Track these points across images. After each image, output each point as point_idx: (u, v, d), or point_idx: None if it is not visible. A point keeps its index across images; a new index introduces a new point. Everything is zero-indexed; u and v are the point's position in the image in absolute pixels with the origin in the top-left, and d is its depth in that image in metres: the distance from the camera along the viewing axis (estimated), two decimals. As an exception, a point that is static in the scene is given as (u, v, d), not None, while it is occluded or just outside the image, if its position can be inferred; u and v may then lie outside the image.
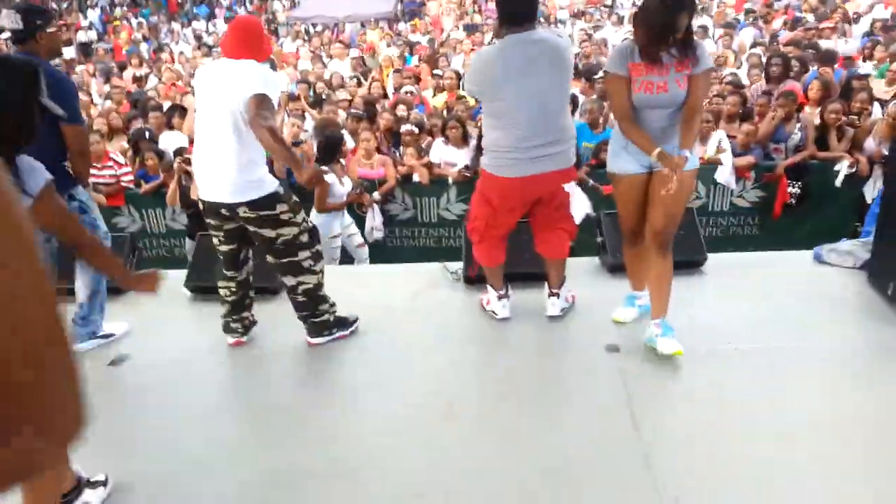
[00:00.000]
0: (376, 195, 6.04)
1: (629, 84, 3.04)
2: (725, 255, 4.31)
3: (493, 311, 3.77)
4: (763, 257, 4.35)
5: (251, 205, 3.19)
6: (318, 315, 3.57)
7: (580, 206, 3.43)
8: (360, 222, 5.95)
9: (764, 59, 7.70)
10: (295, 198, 3.42)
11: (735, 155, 5.98)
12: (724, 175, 5.94)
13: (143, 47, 16.23)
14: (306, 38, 15.46)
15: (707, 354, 3.27)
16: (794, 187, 6.01)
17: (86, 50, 15.40)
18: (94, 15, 19.11)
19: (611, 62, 3.13)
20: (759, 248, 5.61)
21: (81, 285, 3.56)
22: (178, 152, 6.07)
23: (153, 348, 3.69)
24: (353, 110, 6.45)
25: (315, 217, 5.55)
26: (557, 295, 3.74)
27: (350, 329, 3.70)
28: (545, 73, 3.17)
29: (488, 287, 3.80)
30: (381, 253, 6.21)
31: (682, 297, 3.44)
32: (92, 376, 3.00)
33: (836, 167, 5.87)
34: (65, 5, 19.52)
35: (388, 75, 9.03)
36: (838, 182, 5.87)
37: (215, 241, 3.50)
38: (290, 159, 3.02)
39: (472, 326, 3.75)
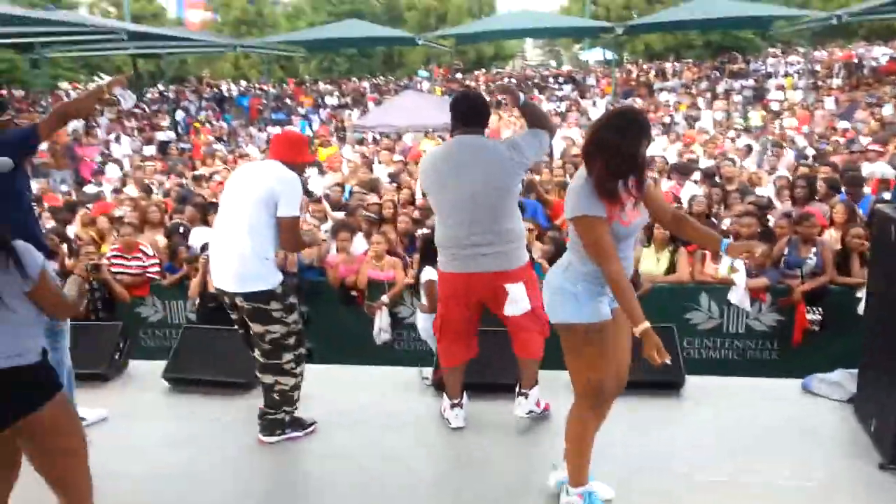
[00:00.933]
0: (385, 298, 6.13)
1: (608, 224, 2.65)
2: (709, 379, 4.14)
3: (448, 420, 3.72)
4: (749, 383, 4.15)
5: (246, 296, 3.37)
6: (276, 414, 3.60)
7: (517, 302, 3.41)
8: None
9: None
10: (293, 299, 3.54)
11: (749, 276, 5.83)
12: (738, 296, 5.77)
13: (221, 149, 17.39)
14: (373, 145, 16.21)
15: (664, 484, 3.10)
16: (813, 313, 5.77)
17: (163, 148, 16.60)
18: (179, 116, 20.67)
19: (586, 205, 2.61)
20: (778, 374, 5.35)
21: None
22: (205, 247, 6.38)
23: (119, 436, 3.77)
24: (367, 214, 6.68)
25: (423, 318, 5.63)
26: (525, 395, 3.67)
27: (305, 431, 3.70)
28: (479, 175, 3.30)
29: (444, 394, 3.77)
30: (389, 355, 6.23)
31: (651, 420, 3.32)
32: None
33: (858, 293, 5.63)
34: (154, 107, 21.25)
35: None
36: (860, 309, 5.60)
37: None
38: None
39: (428, 433, 3.71)
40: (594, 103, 22.17)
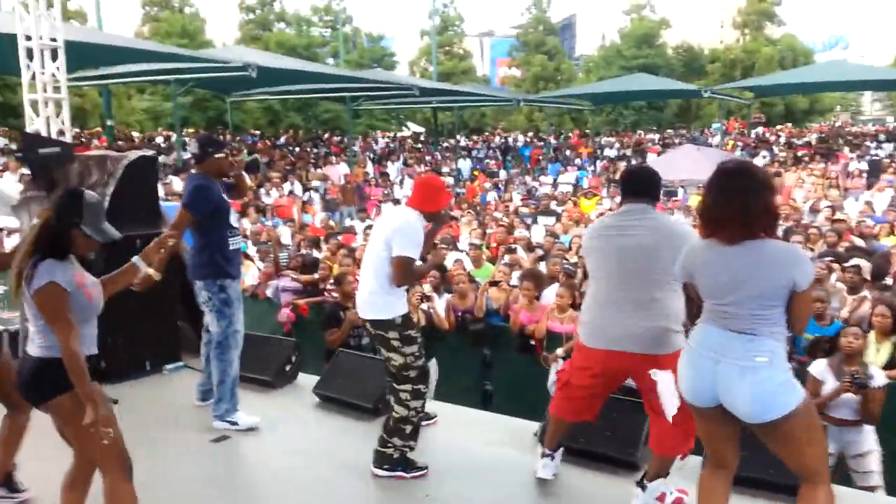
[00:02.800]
0: (560, 351, 6.02)
1: None
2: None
3: (536, 469, 3.60)
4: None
5: (371, 323, 3.71)
6: (386, 445, 3.74)
7: (668, 399, 3.05)
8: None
9: None
10: (415, 333, 3.73)
11: None
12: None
13: (492, 196, 18.44)
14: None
15: None
16: None
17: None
18: (464, 165, 22.37)
19: None
20: None
21: (214, 371, 4.35)
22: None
23: (258, 441, 4.25)
24: (565, 266, 6.64)
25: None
26: (644, 487, 3.36)
27: (412, 474, 3.75)
28: (635, 240, 3.21)
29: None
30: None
31: None
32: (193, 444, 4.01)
33: None
34: (447, 155, 23.26)
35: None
36: None
37: None
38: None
39: (520, 489, 3.61)
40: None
